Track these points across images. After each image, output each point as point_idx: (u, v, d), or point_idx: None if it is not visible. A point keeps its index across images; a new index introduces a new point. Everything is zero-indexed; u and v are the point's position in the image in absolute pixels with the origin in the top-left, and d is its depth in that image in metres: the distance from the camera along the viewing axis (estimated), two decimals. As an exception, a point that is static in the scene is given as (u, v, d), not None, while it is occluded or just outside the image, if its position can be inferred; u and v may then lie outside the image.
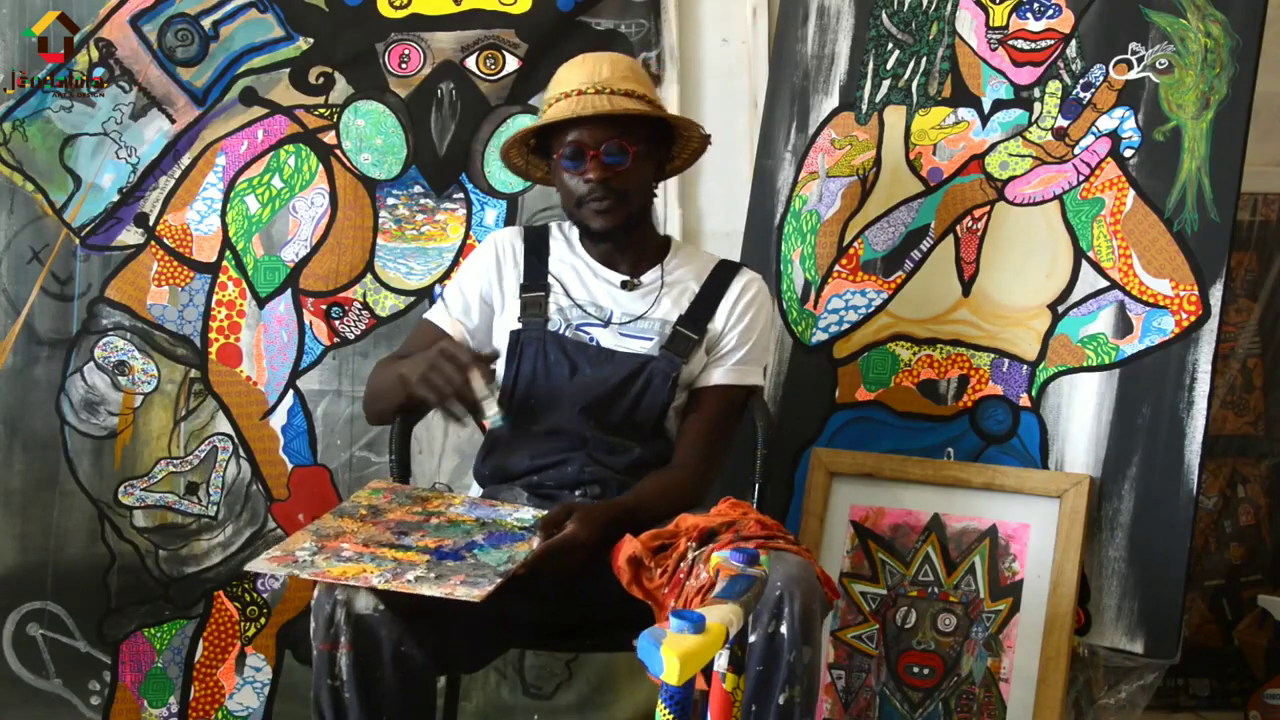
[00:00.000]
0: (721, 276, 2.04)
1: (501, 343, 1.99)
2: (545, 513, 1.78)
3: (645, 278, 2.02)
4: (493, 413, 1.77)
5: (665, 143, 2.04)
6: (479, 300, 2.04)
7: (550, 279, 2.02)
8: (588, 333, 1.98)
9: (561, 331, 1.97)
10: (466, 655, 1.82)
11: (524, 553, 1.66)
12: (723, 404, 1.98)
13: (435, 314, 2.08)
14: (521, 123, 2.53)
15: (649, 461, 1.94)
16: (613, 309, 1.99)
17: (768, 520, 1.71)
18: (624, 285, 2.01)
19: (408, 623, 1.60)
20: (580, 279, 2.02)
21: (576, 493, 1.92)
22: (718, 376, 1.98)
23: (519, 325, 1.98)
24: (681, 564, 1.64)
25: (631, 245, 2.02)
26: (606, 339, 1.97)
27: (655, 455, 1.95)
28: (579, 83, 1.94)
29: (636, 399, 1.94)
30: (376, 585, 1.56)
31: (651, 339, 1.97)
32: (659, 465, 1.94)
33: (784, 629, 1.54)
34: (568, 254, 2.05)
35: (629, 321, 1.99)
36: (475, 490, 2.05)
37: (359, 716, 1.60)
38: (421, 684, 1.66)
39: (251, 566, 1.64)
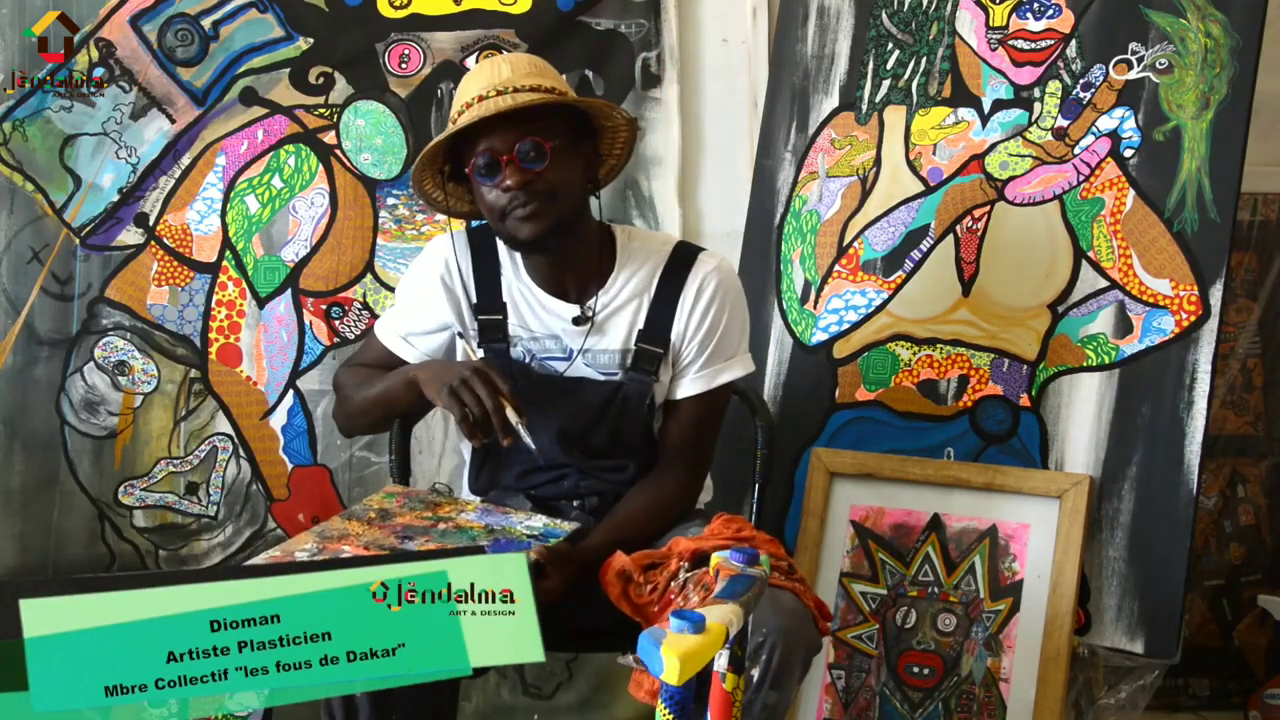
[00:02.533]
0: (675, 275, 1.88)
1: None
2: (556, 522, 1.77)
3: (597, 304, 1.87)
4: (527, 439, 1.71)
5: (588, 136, 1.86)
6: (439, 331, 1.93)
7: (504, 300, 1.90)
8: (550, 366, 1.89)
9: (526, 362, 1.89)
10: None
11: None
12: (699, 411, 1.90)
13: (392, 342, 1.96)
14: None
15: (646, 471, 1.91)
16: (570, 345, 1.88)
17: (762, 537, 1.70)
18: (576, 321, 1.87)
19: None
20: (532, 311, 1.89)
21: (574, 503, 1.91)
22: (686, 388, 1.89)
23: (480, 352, 1.89)
24: (673, 583, 1.63)
25: (574, 263, 1.86)
26: (571, 371, 1.89)
27: (652, 462, 1.92)
28: (478, 89, 1.78)
29: (615, 424, 1.88)
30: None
31: (615, 373, 1.88)
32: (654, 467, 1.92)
33: (756, 673, 1.54)
34: (515, 280, 1.90)
35: (588, 354, 1.88)
36: (470, 497, 2.04)
37: (369, 717, 1.60)
38: (432, 685, 1.65)
39: (252, 565, 1.64)
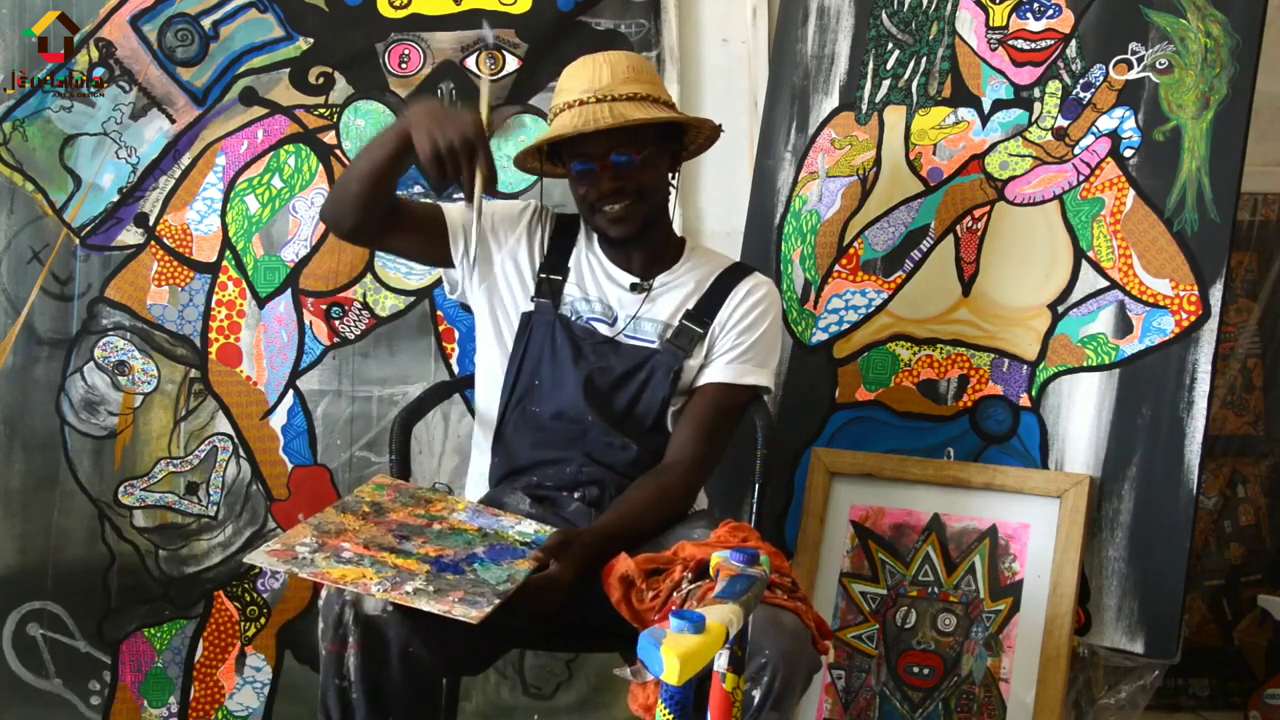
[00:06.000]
0: (731, 277, 2.04)
1: (513, 322, 2.03)
2: (547, 529, 1.78)
3: (655, 280, 2.03)
4: (478, 202, 1.78)
5: (676, 135, 2.02)
6: (494, 229, 2.05)
7: (569, 266, 2.04)
8: (593, 327, 2.00)
9: (571, 318, 2.00)
10: (471, 657, 1.81)
11: (524, 571, 1.65)
12: (718, 401, 1.98)
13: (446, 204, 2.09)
14: (523, 123, 2.54)
15: (647, 461, 1.94)
16: (619, 311, 2.01)
17: (768, 549, 1.70)
18: (633, 288, 2.02)
19: (416, 624, 1.59)
20: (594, 277, 2.04)
21: (575, 494, 1.93)
22: (713, 374, 1.98)
23: (531, 305, 2.01)
24: (675, 593, 1.63)
25: (647, 245, 2.02)
26: (612, 334, 2.00)
27: (654, 454, 1.95)
28: (580, 91, 1.92)
29: (638, 391, 1.97)
30: (375, 594, 1.55)
31: (654, 341, 1.99)
32: (657, 463, 1.94)
33: (757, 695, 1.55)
34: (586, 249, 2.06)
35: (633, 322, 2.00)
36: (473, 496, 2.04)
37: (366, 717, 1.60)
38: (429, 685, 1.66)
39: (250, 559, 1.63)
